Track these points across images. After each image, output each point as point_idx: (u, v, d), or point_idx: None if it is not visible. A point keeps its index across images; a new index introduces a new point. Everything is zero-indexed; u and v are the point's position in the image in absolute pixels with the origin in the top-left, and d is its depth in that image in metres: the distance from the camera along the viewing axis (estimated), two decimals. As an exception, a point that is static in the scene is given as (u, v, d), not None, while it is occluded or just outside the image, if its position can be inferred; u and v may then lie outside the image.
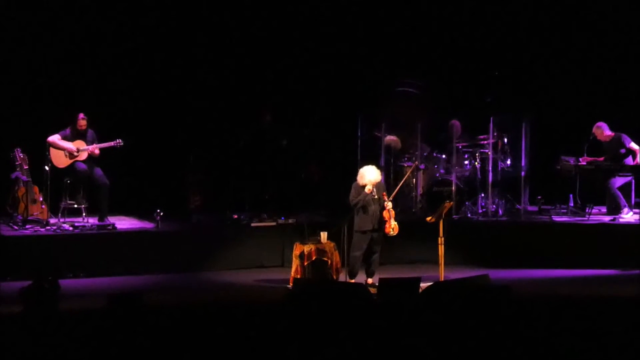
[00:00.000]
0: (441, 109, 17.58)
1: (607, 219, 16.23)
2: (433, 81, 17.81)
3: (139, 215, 16.70)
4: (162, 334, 10.47)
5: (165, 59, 17.64)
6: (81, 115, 15.77)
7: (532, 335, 10.36)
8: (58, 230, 15.34)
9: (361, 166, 14.50)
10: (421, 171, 17.02)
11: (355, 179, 14.30)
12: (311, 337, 10.09)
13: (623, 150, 16.39)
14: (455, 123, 17.26)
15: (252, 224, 16.17)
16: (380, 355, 9.66)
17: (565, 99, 18.01)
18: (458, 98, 17.89)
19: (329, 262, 14.40)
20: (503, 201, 16.82)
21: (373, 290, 12.17)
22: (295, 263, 14.46)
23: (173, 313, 12.27)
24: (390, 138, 17.22)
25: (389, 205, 14.11)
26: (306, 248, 14.39)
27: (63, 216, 15.67)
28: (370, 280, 14.23)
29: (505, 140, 17.00)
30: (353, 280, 14.14)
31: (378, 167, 14.85)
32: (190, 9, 17.69)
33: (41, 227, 15.38)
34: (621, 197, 16.26)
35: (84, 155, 15.73)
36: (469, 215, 16.60)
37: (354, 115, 17.09)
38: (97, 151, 15.74)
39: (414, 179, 16.96)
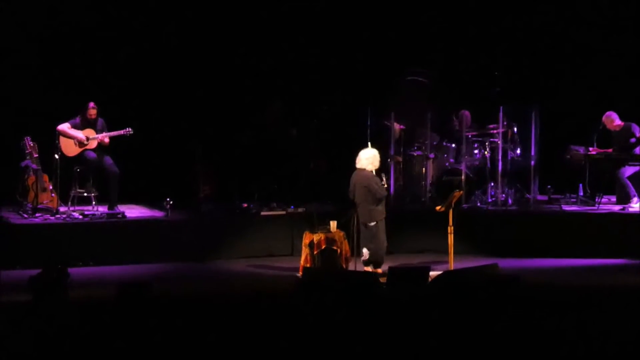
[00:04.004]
0: (451, 98, 17.55)
1: (616, 208, 16.21)
2: (443, 70, 17.78)
3: (149, 204, 16.71)
4: (171, 322, 10.50)
5: (175, 47, 17.62)
6: (91, 104, 15.75)
7: (541, 325, 10.37)
8: (68, 219, 15.35)
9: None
10: (431, 160, 16.99)
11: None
12: (321, 326, 10.11)
13: (633, 140, 16.33)
14: (465, 112, 17.24)
15: (262, 213, 16.16)
16: (389, 344, 9.67)
17: (575, 88, 17.97)
18: (468, 87, 17.85)
19: (339, 251, 14.38)
20: (513, 190, 16.78)
21: (382, 279, 12.16)
22: (304, 252, 14.45)
23: (182, 302, 12.32)
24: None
25: None
26: (316, 237, 14.38)
27: (73, 204, 15.68)
28: (379, 270, 14.21)
29: (515, 129, 16.94)
30: (380, 270, 14.07)
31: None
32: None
33: (51, 216, 15.40)
34: (631, 186, 16.23)
35: (93, 144, 15.73)
36: (479, 204, 16.57)
37: (364, 105, 17.06)
38: (106, 140, 15.74)
39: (424, 169, 16.94)
